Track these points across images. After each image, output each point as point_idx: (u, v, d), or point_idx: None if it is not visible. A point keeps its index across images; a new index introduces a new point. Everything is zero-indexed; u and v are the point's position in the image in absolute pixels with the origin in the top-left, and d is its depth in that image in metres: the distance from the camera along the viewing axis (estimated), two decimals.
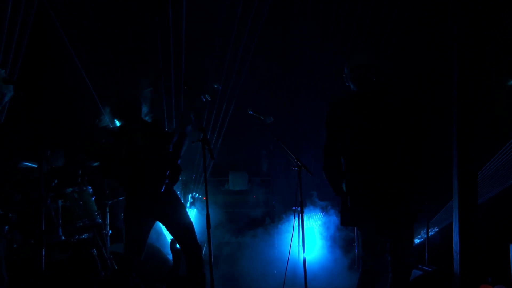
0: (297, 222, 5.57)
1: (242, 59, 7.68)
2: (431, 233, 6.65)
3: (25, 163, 5.23)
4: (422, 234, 6.91)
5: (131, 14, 7.31)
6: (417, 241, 7.09)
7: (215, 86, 4.92)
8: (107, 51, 7.39)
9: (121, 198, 6.20)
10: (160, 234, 6.77)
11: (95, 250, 5.34)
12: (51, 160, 5.94)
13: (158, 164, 4.64)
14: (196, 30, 7.57)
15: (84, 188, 5.89)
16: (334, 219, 7.01)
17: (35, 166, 5.00)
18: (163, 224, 4.87)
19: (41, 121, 6.64)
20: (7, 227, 3.71)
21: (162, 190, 4.61)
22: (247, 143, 7.97)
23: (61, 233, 5.37)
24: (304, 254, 4.88)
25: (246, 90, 7.92)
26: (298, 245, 6.27)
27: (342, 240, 7.03)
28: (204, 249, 6.98)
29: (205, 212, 4.40)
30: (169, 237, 5.73)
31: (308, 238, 6.63)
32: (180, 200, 4.87)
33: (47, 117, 6.79)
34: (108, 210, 6.40)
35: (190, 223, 4.84)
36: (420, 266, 5.84)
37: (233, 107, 7.83)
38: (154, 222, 4.83)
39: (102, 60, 7.30)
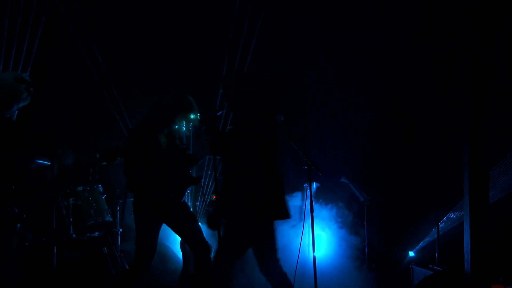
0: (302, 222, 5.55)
1: (252, 57, 7.69)
2: (441, 232, 6.61)
3: (38, 160, 5.26)
4: (432, 233, 6.88)
5: (143, 11, 7.35)
6: (428, 240, 7.06)
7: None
8: (121, 50, 7.43)
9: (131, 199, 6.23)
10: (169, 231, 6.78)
11: (105, 248, 5.37)
12: (61, 158, 5.98)
13: (184, 175, 4.68)
14: (205, 27, 7.60)
15: (95, 187, 5.92)
16: (343, 216, 7.00)
17: (48, 163, 5.02)
18: (172, 228, 4.85)
19: (52, 119, 6.69)
20: (19, 225, 3.74)
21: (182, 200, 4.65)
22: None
23: (72, 231, 5.40)
24: (314, 253, 4.86)
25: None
26: (308, 244, 6.26)
27: (352, 239, 7.00)
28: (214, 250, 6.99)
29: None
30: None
31: (317, 236, 6.61)
32: (186, 202, 4.88)
33: (58, 115, 6.84)
34: (118, 208, 6.43)
35: (197, 224, 4.85)
36: (430, 265, 5.81)
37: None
38: (162, 224, 4.81)
39: (114, 59, 7.33)
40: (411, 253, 7.14)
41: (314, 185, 7.09)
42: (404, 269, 6.75)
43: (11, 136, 3.68)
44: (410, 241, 7.33)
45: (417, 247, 7.16)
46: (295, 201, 7.02)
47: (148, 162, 4.52)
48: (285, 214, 4.40)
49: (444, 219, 6.98)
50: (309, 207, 4.92)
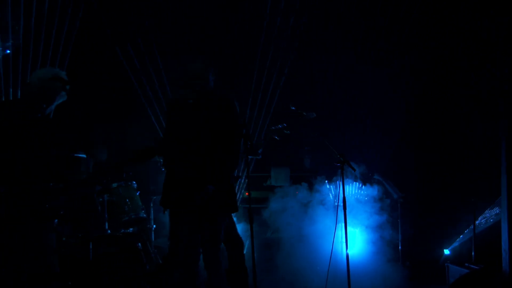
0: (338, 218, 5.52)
1: (285, 55, 7.69)
2: (478, 230, 6.49)
3: (76, 154, 5.36)
4: (468, 231, 6.76)
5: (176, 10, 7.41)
6: (464, 238, 6.94)
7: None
8: (154, 49, 7.51)
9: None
10: None
11: (140, 244, 5.43)
12: (96, 155, 6.10)
13: None
14: (240, 27, 7.63)
15: (129, 184, 5.99)
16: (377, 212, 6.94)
17: (84, 156, 5.12)
18: None
19: (87, 117, 6.82)
20: (56, 220, 3.81)
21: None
22: (289, 139, 7.95)
23: (107, 227, 5.48)
24: (347, 250, 4.84)
25: (288, 86, 7.92)
26: (341, 241, 6.23)
27: (385, 236, 6.94)
28: (247, 245, 7.02)
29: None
30: None
31: (350, 233, 6.57)
32: None
33: (93, 112, 6.96)
34: (152, 205, 6.49)
35: (231, 220, 4.86)
36: (467, 264, 5.72)
37: (275, 103, 7.83)
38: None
39: (147, 59, 7.42)
40: (446, 251, 7.03)
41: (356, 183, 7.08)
42: (439, 267, 6.65)
43: (48, 134, 3.75)
44: (445, 238, 7.22)
45: (453, 245, 7.04)
46: (327, 198, 7.00)
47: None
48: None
49: (481, 216, 6.85)
50: (341, 204, 4.90)
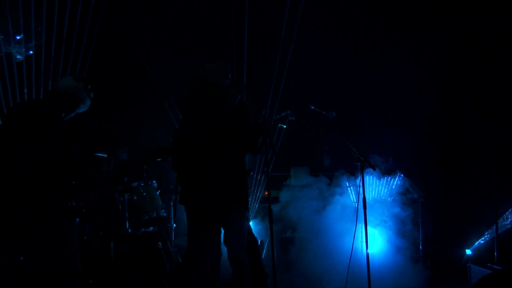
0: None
1: (304, 54, 7.68)
2: (501, 230, 6.42)
3: (97, 154, 5.40)
4: (491, 231, 6.69)
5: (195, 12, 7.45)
6: (486, 238, 6.87)
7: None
8: (173, 51, 7.55)
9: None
10: None
11: (160, 243, 5.46)
12: (117, 154, 6.15)
13: None
14: (257, 25, 7.63)
15: (149, 183, 6.02)
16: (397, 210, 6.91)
17: (105, 156, 5.15)
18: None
19: (108, 117, 6.87)
20: (78, 219, 3.85)
21: None
22: (309, 139, 7.95)
23: (128, 226, 5.52)
24: (368, 250, 4.81)
25: (308, 85, 7.90)
26: (361, 241, 6.20)
27: (406, 235, 6.89)
28: (266, 244, 7.02)
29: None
30: None
31: (370, 232, 6.54)
32: None
33: (113, 113, 7.02)
34: (172, 204, 6.52)
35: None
36: (489, 264, 5.65)
37: (295, 103, 7.82)
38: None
39: (168, 61, 7.46)
40: (468, 251, 6.96)
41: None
42: (460, 268, 6.59)
43: (70, 134, 3.79)
44: (467, 238, 7.15)
45: (475, 245, 6.97)
46: (347, 197, 6.98)
47: None
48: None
49: (504, 216, 6.77)
50: (361, 203, 4.88)
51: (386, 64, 7.75)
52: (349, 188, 6.98)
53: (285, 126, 5.22)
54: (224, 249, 4.24)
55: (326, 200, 7.01)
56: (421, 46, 7.56)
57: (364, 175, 4.89)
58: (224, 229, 4.22)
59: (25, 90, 6.77)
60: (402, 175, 7.10)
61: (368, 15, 7.62)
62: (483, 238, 6.90)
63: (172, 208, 6.49)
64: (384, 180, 7.12)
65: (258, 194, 7.83)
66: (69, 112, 3.91)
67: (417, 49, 7.61)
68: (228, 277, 4.27)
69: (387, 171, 7.13)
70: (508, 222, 6.72)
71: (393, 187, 7.02)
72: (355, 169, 6.94)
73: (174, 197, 6.64)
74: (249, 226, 4.97)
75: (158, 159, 5.71)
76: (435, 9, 7.25)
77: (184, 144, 4.21)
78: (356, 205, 6.68)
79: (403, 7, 7.35)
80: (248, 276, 4.22)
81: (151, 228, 6.00)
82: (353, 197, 6.96)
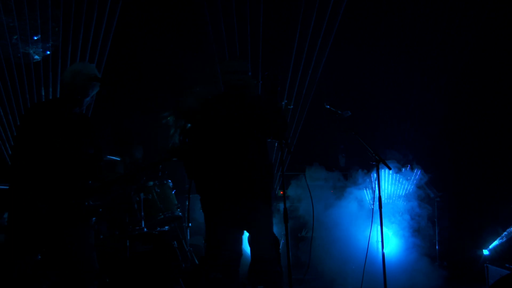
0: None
1: (319, 54, 7.66)
2: None
3: (108, 156, 5.44)
4: (509, 231, 6.61)
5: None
6: (504, 238, 6.79)
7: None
8: (188, 50, 7.57)
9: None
10: None
11: (175, 242, 5.48)
12: (132, 153, 6.18)
13: None
14: (273, 24, 7.62)
15: (165, 182, 6.05)
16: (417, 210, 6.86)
17: (118, 159, 5.20)
18: None
19: (123, 116, 6.92)
20: (94, 218, 3.88)
21: None
22: (324, 138, 7.92)
23: (143, 225, 5.55)
24: (383, 249, 4.79)
25: (323, 85, 7.87)
26: (377, 241, 6.17)
27: (422, 235, 6.84)
28: (281, 243, 6.99)
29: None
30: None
31: (386, 232, 6.51)
32: None
33: (128, 111, 7.05)
34: (187, 203, 6.53)
35: None
36: (507, 265, 5.59)
37: (310, 102, 7.80)
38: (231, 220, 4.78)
39: (182, 60, 7.48)
40: (486, 251, 6.88)
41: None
42: (477, 268, 6.53)
43: (86, 132, 3.82)
44: (484, 238, 7.08)
45: (492, 245, 6.89)
46: (362, 196, 6.95)
47: None
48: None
49: None
50: (377, 203, 4.85)
51: (402, 58, 7.71)
52: (365, 189, 6.94)
53: (291, 107, 5.18)
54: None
55: (341, 199, 6.99)
56: (440, 40, 7.49)
57: (380, 173, 4.87)
58: (249, 229, 4.20)
59: (43, 91, 6.85)
60: (419, 172, 7.05)
61: (383, 10, 7.58)
62: (500, 238, 6.82)
63: (187, 207, 6.50)
64: (400, 178, 7.08)
65: (272, 193, 7.81)
66: (83, 95, 3.90)
67: (436, 42, 7.53)
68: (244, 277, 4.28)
69: (405, 168, 7.08)
70: None
71: (410, 185, 6.98)
72: (370, 168, 6.90)
73: (188, 196, 6.66)
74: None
75: (174, 159, 5.74)
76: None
77: (205, 143, 4.22)
78: (372, 203, 6.67)
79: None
80: (281, 276, 4.22)
81: (167, 227, 6.03)
82: (369, 195, 6.93)
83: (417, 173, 7.01)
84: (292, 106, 5.02)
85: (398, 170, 7.01)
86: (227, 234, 4.19)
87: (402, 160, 7.17)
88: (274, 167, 7.58)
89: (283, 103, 5.18)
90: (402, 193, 7.07)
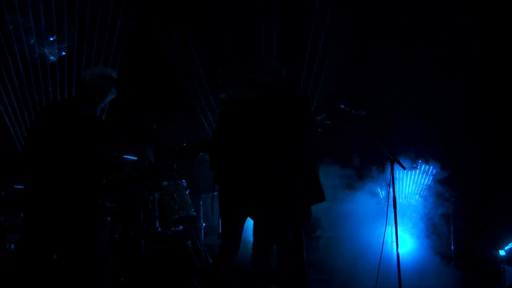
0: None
1: (334, 53, 7.64)
2: None
3: (125, 156, 5.46)
4: None
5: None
6: None
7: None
8: (203, 51, 7.59)
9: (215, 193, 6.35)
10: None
11: (190, 242, 5.50)
12: (144, 153, 6.20)
13: None
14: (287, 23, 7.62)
15: (179, 182, 6.06)
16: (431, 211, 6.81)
17: (135, 158, 5.21)
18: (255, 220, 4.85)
19: (136, 115, 6.95)
20: (109, 218, 3.91)
21: None
22: (338, 137, 7.89)
23: (158, 225, 5.57)
24: (398, 250, 4.76)
25: (337, 84, 7.85)
26: (391, 241, 6.14)
27: (437, 235, 6.80)
28: None
29: None
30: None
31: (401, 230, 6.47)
32: None
33: (142, 111, 7.09)
34: (201, 203, 6.55)
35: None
36: None
37: (324, 101, 7.79)
38: (246, 218, 4.82)
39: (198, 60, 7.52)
40: (502, 252, 6.82)
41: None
42: (494, 269, 6.47)
43: (100, 132, 3.84)
44: (500, 239, 7.01)
45: (509, 246, 6.83)
46: (377, 196, 6.92)
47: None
48: None
49: None
50: (391, 202, 4.83)
51: (417, 56, 7.66)
52: (379, 188, 6.91)
53: (320, 130, 5.19)
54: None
55: (355, 198, 6.97)
56: (456, 35, 7.43)
57: (394, 172, 4.84)
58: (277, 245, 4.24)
59: (58, 91, 6.91)
60: (434, 170, 7.00)
61: (396, 9, 7.54)
62: None
63: (202, 207, 6.52)
64: (415, 177, 7.04)
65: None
66: (101, 99, 3.94)
67: (452, 38, 7.47)
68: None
69: (419, 164, 7.03)
70: None
71: (425, 183, 6.94)
72: (385, 167, 6.87)
73: (203, 196, 6.68)
74: None
75: (186, 159, 5.75)
76: None
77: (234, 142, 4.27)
78: (386, 203, 6.63)
79: None
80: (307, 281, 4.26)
81: (181, 227, 6.04)
82: (383, 194, 6.89)
83: (432, 170, 6.97)
84: (329, 122, 5.03)
85: (413, 167, 6.96)
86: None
87: (416, 158, 7.13)
88: None
89: (320, 117, 5.20)
90: (417, 192, 7.03)
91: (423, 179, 7.03)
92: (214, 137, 4.58)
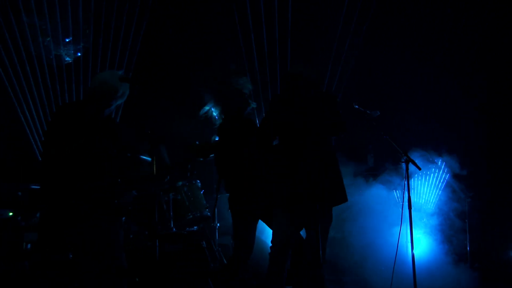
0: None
1: (348, 53, 7.62)
2: None
3: (142, 156, 5.49)
4: None
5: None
6: None
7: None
8: (217, 50, 7.59)
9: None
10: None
11: (204, 242, 5.51)
12: (159, 154, 6.23)
13: None
14: (301, 25, 7.61)
15: (193, 182, 6.08)
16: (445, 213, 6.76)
17: (149, 159, 5.24)
18: (267, 223, 4.85)
19: (150, 116, 6.98)
20: (124, 218, 3.93)
21: None
22: (353, 138, 7.86)
23: (172, 225, 5.59)
24: (413, 250, 4.73)
25: (352, 84, 7.83)
26: (406, 241, 6.10)
27: (453, 236, 6.75)
28: None
29: None
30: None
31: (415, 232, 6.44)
32: None
33: (156, 111, 7.11)
34: (216, 203, 6.55)
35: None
36: None
37: (338, 101, 7.74)
38: (258, 220, 4.80)
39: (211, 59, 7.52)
40: None
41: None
42: (510, 270, 6.42)
43: (107, 134, 3.85)
44: None
45: None
46: (391, 196, 6.88)
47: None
48: None
49: None
50: (407, 203, 4.80)
51: (434, 54, 7.62)
52: (394, 189, 6.88)
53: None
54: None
55: (369, 197, 6.95)
56: (473, 33, 7.37)
57: (410, 172, 4.82)
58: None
59: (73, 91, 6.97)
60: (450, 171, 6.96)
61: (411, 9, 7.50)
62: None
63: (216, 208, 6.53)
64: (431, 176, 6.99)
65: None
66: (107, 105, 3.95)
67: (469, 36, 7.41)
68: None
69: (436, 161, 6.98)
70: None
71: (440, 182, 6.89)
72: (400, 167, 6.83)
73: (218, 196, 6.69)
74: None
75: (200, 159, 5.77)
76: None
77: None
78: (402, 204, 6.59)
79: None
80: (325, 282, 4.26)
81: (195, 227, 6.06)
82: (398, 194, 6.86)
83: (448, 169, 6.92)
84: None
85: (429, 163, 6.92)
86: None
87: (432, 157, 7.08)
88: None
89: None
90: (432, 192, 6.98)
91: (438, 179, 6.97)
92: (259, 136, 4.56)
